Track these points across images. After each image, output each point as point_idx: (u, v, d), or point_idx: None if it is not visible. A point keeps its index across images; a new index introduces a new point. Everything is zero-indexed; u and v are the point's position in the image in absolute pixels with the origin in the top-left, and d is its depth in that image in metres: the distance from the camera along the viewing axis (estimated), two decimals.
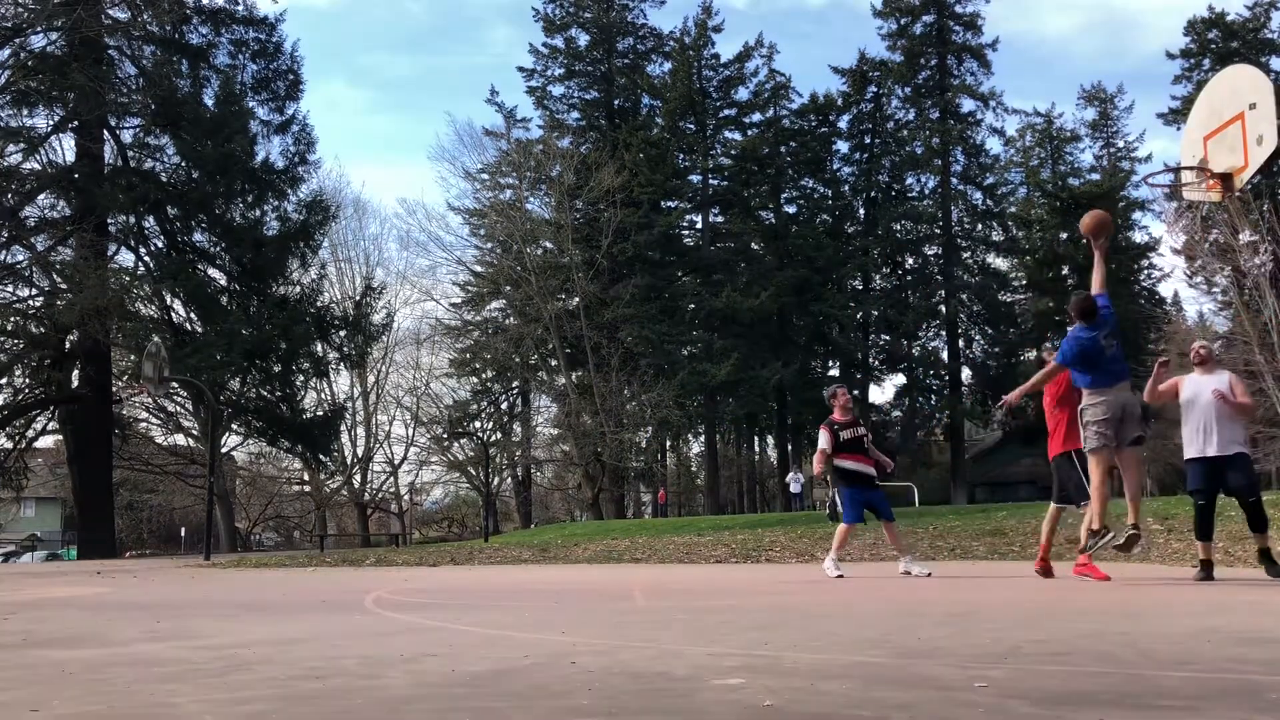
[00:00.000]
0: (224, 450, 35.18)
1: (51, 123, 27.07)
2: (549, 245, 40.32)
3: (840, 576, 9.22)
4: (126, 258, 29.32)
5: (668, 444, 49.43)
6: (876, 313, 46.36)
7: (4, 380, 27.82)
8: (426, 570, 13.13)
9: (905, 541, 9.73)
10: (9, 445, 28.99)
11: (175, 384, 28.07)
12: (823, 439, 9.45)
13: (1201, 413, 7.38)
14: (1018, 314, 49.02)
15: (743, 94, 46.66)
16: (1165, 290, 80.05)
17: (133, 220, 28.29)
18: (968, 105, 48.10)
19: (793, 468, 40.77)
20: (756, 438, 57.79)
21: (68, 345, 27.29)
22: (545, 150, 40.09)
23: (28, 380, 28.86)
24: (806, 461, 53.87)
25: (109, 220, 27.42)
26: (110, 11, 27.52)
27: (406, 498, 48.68)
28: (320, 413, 34.17)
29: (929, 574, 8.93)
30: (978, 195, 48.56)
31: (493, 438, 42.70)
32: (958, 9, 47.73)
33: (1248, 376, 27.58)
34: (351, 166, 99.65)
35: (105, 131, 27.56)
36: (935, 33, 47.70)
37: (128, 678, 3.31)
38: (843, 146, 48.78)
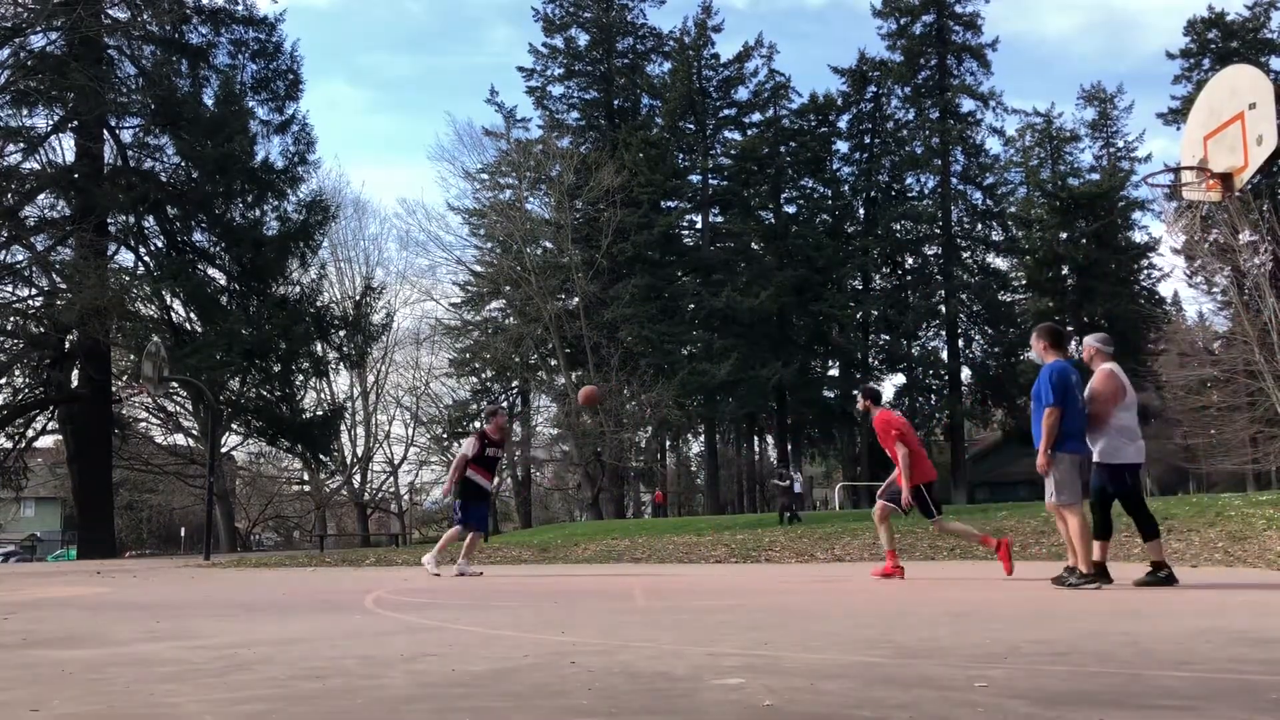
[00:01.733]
0: (224, 450, 35.14)
1: (51, 122, 27.08)
2: (549, 245, 40.31)
3: (437, 575, 10.22)
4: (126, 257, 29.36)
5: (667, 444, 49.43)
6: (876, 313, 46.36)
7: (4, 380, 27.81)
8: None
9: (475, 552, 11.25)
10: (9, 445, 28.97)
11: (175, 384, 28.06)
12: (470, 446, 10.49)
13: None
14: (1018, 314, 49.03)
15: (742, 94, 46.76)
16: (1165, 290, 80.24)
17: (132, 220, 28.28)
18: (968, 105, 48.18)
19: (791, 467, 40.64)
20: (756, 438, 57.81)
21: (68, 345, 27.27)
22: (545, 150, 40.07)
23: (28, 380, 28.84)
24: (808, 462, 53.92)
25: (109, 220, 27.41)
26: (110, 11, 27.51)
27: (406, 498, 48.70)
28: (320, 413, 34.14)
29: (480, 573, 10.34)
30: (978, 195, 48.60)
31: None
32: (958, 9, 47.77)
33: (1248, 376, 27.65)
34: (351, 167, 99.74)
35: (105, 131, 27.55)
36: (935, 33, 47.71)
37: (127, 678, 3.31)
38: (843, 146, 48.88)
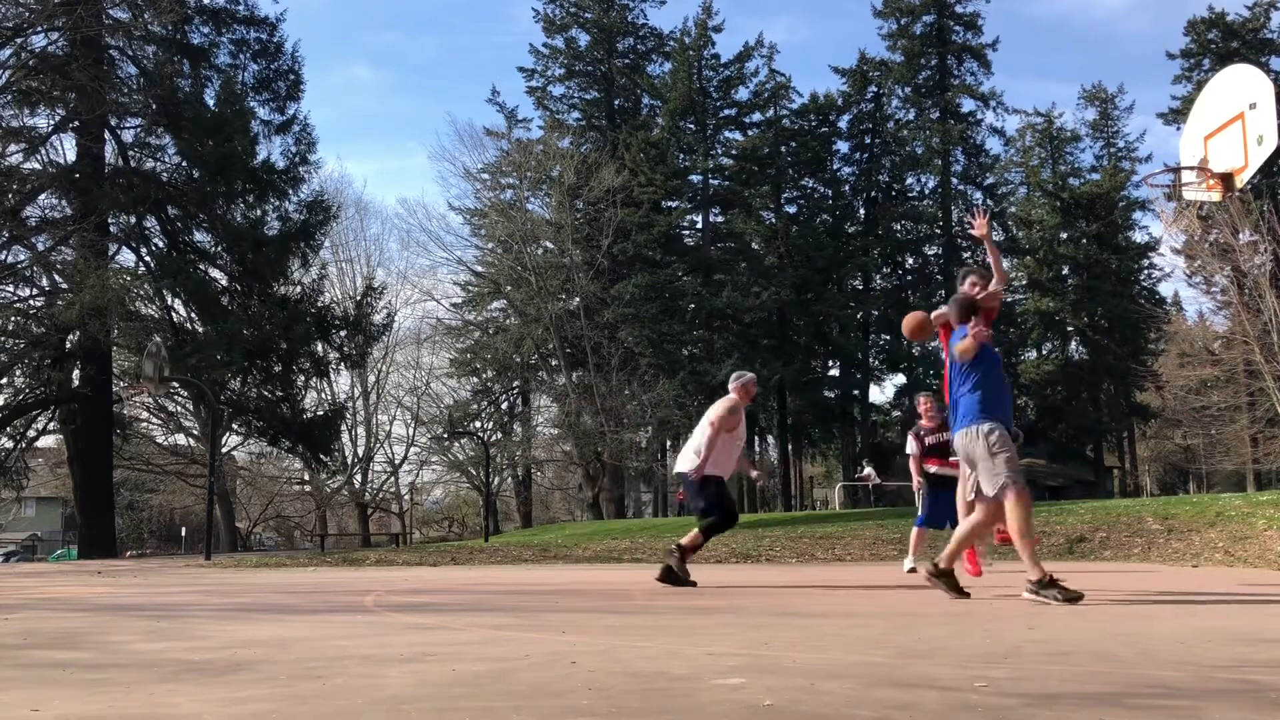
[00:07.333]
0: (224, 450, 35.17)
1: (52, 123, 27.08)
2: (549, 245, 40.34)
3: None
4: (127, 257, 29.31)
5: (668, 444, 49.40)
6: (876, 313, 46.36)
7: (4, 380, 27.81)
8: (426, 570, 13.13)
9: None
10: (9, 445, 28.98)
11: (176, 384, 28.07)
12: (911, 445, 9.36)
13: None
14: (1018, 314, 49.06)
15: (743, 94, 46.74)
16: (1165, 290, 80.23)
17: (133, 220, 28.27)
18: (968, 105, 48.20)
19: (866, 463, 39.73)
20: (757, 438, 57.80)
21: (68, 345, 27.27)
22: (546, 150, 40.09)
23: (28, 380, 28.85)
24: (808, 462, 53.72)
25: (110, 220, 27.42)
26: (111, 11, 27.50)
27: (407, 498, 48.72)
28: (321, 413, 34.11)
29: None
30: (978, 195, 48.60)
31: (493, 438, 42.71)
32: (958, 9, 47.81)
33: (1248, 376, 27.64)
34: (353, 165, 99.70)
35: (106, 131, 27.54)
36: (935, 33, 47.73)
37: (128, 678, 3.31)
38: (843, 146, 48.81)
